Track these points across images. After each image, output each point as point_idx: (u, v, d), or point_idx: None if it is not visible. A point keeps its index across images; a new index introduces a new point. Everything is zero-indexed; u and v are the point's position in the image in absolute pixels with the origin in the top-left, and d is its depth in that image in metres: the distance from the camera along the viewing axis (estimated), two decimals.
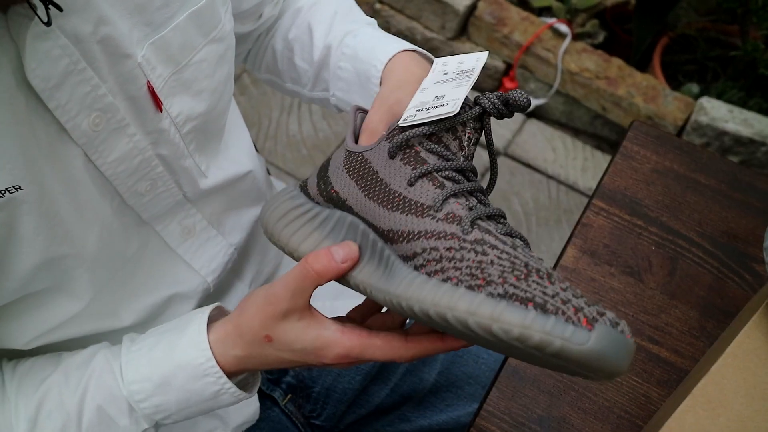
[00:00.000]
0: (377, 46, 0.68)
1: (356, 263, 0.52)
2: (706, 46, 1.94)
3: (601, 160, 1.93)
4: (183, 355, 0.56)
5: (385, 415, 0.85)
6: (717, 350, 0.61)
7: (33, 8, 0.46)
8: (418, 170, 0.51)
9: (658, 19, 1.84)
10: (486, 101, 0.52)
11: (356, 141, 0.58)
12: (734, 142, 1.75)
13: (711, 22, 1.99)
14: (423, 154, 0.52)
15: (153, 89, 0.56)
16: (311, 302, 0.54)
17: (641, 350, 0.70)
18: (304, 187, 0.58)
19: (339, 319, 0.55)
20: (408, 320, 0.58)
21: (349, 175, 0.54)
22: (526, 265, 0.46)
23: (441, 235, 0.48)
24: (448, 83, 0.54)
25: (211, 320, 0.58)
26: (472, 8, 1.93)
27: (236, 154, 0.71)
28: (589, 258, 0.75)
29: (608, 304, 0.72)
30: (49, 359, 0.60)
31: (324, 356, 0.53)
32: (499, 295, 0.44)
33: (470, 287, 0.45)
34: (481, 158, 1.79)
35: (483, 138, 0.56)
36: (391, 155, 0.52)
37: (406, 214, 0.50)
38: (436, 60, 0.58)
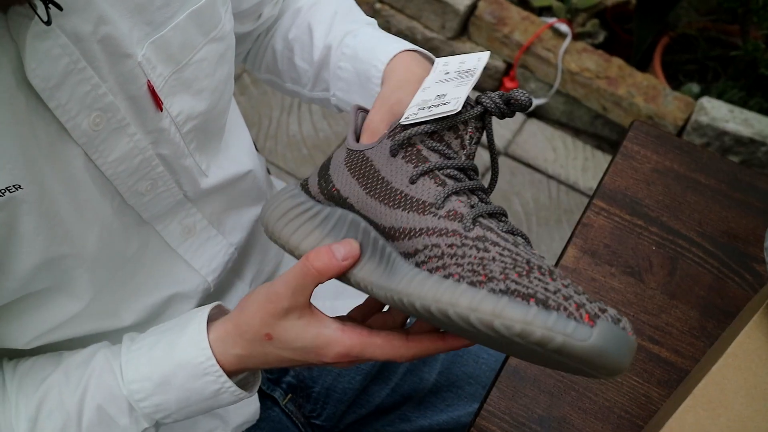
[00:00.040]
0: (378, 46, 0.68)
1: (357, 261, 0.52)
2: (707, 45, 1.94)
3: (602, 160, 1.93)
4: (183, 354, 0.56)
5: (385, 415, 0.85)
6: (717, 350, 0.61)
7: (33, 7, 0.46)
8: (420, 168, 0.51)
9: (658, 18, 1.84)
10: (488, 100, 0.52)
11: (357, 140, 0.58)
12: (734, 142, 1.75)
13: (712, 21, 1.99)
14: (425, 152, 0.52)
15: (153, 88, 0.56)
16: (311, 302, 0.54)
17: (642, 350, 0.70)
18: (305, 186, 0.58)
19: (340, 319, 0.55)
20: (408, 320, 0.58)
21: (351, 174, 0.54)
22: (528, 261, 0.46)
23: (443, 232, 0.48)
24: (449, 82, 0.54)
25: (211, 319, 0.58)
26: (473, 8, 1.93)
27: (236, 154, 0.71)
28: (589, 258, 0.75)
29: (609, 304, 0.72)
30: (49, 359, 0.60)
31: (324, 355, 0.53)
32: (500, 291, 0.44)
33: (472, 283, 0.45)
34: (481, 158, 1.79)
35: (484, 138, 0.56)
36: (393, 153, 0.52)
37: (408, 212, 0.50)
38: (438, 60, 0.58)
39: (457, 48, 1.98)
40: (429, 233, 0.48)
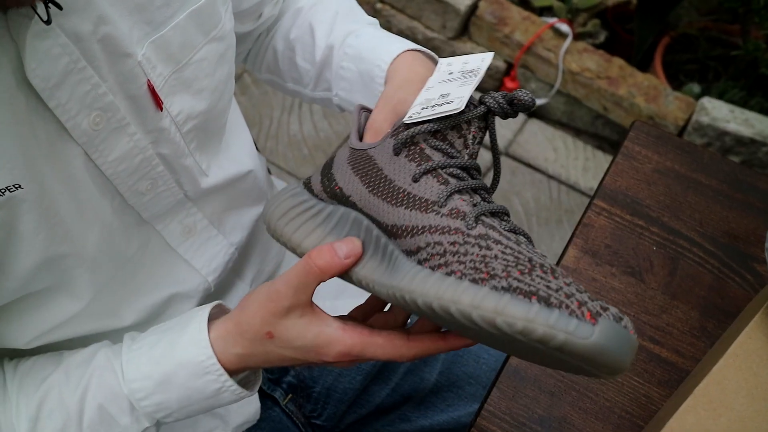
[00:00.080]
0: (380, 46, 0.68)
1: (359, 259, 0.52)
2: (708, 45, 1.94)
3: (602, 160, 1.93)
4: (184, 353, 0.56)
5: (385, 415, 0.85)
6: (718, 350, 0.61)
7: (33, 7, 0.46)
8: (423, 167, 0.51)
9: (659, 18, 1.84)
10: (491, 100, 0.52)
11: (360, 139, 0.58)
12: (735, 142, 1.75)
13: (712, 21, 1.99)
14: (428, 151, 0.52)
15: (153, 88, 0.56)
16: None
17: (642, 350, 0.70)
18: (307, 184, 0.58)
19: (341, 318, 0.55)
20: (409, 321, 0.58)
21: (354, 172, 0.54)
22: (530, 260, 0.46)
23: (445, 230, 0.48)
24: (453, 82, 0.54)
25: (212, 318, 0.58)
26: (473, 8, 1.93)
27: (237, 154, 0.71)
28: (590, 258, 0.75)
29: (609, 304, 0.72)
30: (50, 358, 0.60)
31: (325, 354, 0.53)
32: (503, 288, 0.44)
33: (474, 281, 0.45)
34: (482, 158, 1.79)
35: (486, 138, 0.56)
36: (396, 152, 0.52)
37: (411, 210, 0.50)
38: (441, 60, 0.58)
39: (458, 48, 1.98)
40: (431, 231, 0.49)
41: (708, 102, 1.76)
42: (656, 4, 1.81)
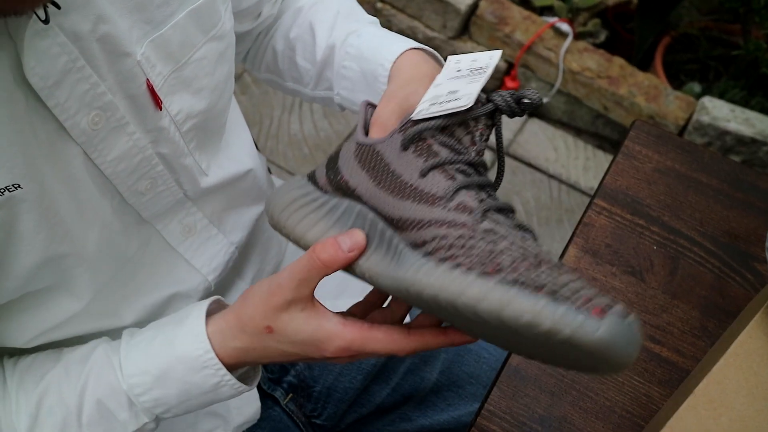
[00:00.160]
0: (383, 45, 0.68)
1: (363, 252, 0.52)
2: (708, 45, 1.94)
3: (603, 159, 1.93)
4: (181, 348, 0.56)
5: (386, 414, 0.85)
6: (718, 350, 0.61)
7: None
8: (430, 162, 0.51)
9: (660, 18, 1.84)
10: (499, 98, 0.52)
11: (366, 135, 0.58)
12: (736, 142, 1.74)
13: (713, 21, 1.98)
14: (435, 146, 0.52)
15: (152, 87, 0.56)
16: None
17: (643, 350, 0.70)
18: (312, 177, 0.58)
19: (340, 314, 0.55)
20: (408, 318, 0.58)
21: (361, 166, 0.54)
22: (536, 256, 0.46)
23: (452, 224, 0.48)
24: (461, 79, 0.54)
25: (211, 313, 0.58)
26: (474, 7, 1.93)
27: (237, 153, 0.71)
28: (590, 258, 0.75)
29: None
30: (49, 355, 0.60)
31: (325, 349, 0.53)
32: (510, 281, 0.44)
33: (481, 274, 0.45)
34: (484, 157, 1.79)
35: (491, 137, 0.56)
36: (404, 147, 0.52)
37: (417, 203, 0.50)
38: (450, 57, 0.58)
39: (459, 48, 1.98)
40: (438, 224, 0.49)
41: (708, 101, 1.76)
42: (657, 4, 1.81)
